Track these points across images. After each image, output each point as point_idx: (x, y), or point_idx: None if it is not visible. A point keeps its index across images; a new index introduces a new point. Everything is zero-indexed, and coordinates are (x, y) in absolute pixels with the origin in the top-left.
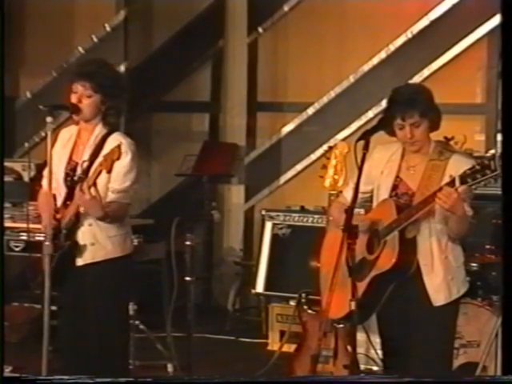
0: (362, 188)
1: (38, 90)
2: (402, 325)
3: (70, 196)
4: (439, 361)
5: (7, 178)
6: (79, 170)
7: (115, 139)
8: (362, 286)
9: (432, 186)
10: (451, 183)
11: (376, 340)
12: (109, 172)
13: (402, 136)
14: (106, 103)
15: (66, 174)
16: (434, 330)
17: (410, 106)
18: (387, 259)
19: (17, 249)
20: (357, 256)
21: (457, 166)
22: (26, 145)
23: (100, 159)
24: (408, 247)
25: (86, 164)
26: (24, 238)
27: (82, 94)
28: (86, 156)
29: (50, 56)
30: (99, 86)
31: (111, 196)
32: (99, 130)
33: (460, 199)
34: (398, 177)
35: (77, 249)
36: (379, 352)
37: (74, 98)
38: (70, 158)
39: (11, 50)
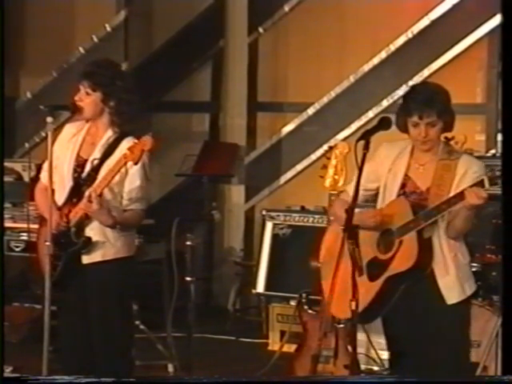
0: (367, 185)
1: (38, 90)
2: (413, 325)
3: (75, 192)
4: (458, 359)
5: (7, 178)
6: (88, 168)
7: (130, 143)
8: (375, 286)
9: (444, 186)
10: (480, 183)
11: (377, 340)
12: (136, 163)
13: (415, 134)
14: (108, 102)
15: (74, 170)
16: (452, 329)
17: (429, 105)
18: (404, 260)
19: (17, 249)
20: (367, 255)
21: (467, 165)
22: (26, 145)
23: (112, 159)
24: (426, 247)
25: (96, 162)
26: (24, 238)
27: (82, 93)
28: (98, 154)
29: (50, 56)
30: (97, 85)
31: (128, 204)
32: (112, 131)
33: (485, 200)
34: (406, 175)
35: (90, 246)
36: (380, 352)
37: (75, 97)
38: (78, 154)
39: (11, 50)
